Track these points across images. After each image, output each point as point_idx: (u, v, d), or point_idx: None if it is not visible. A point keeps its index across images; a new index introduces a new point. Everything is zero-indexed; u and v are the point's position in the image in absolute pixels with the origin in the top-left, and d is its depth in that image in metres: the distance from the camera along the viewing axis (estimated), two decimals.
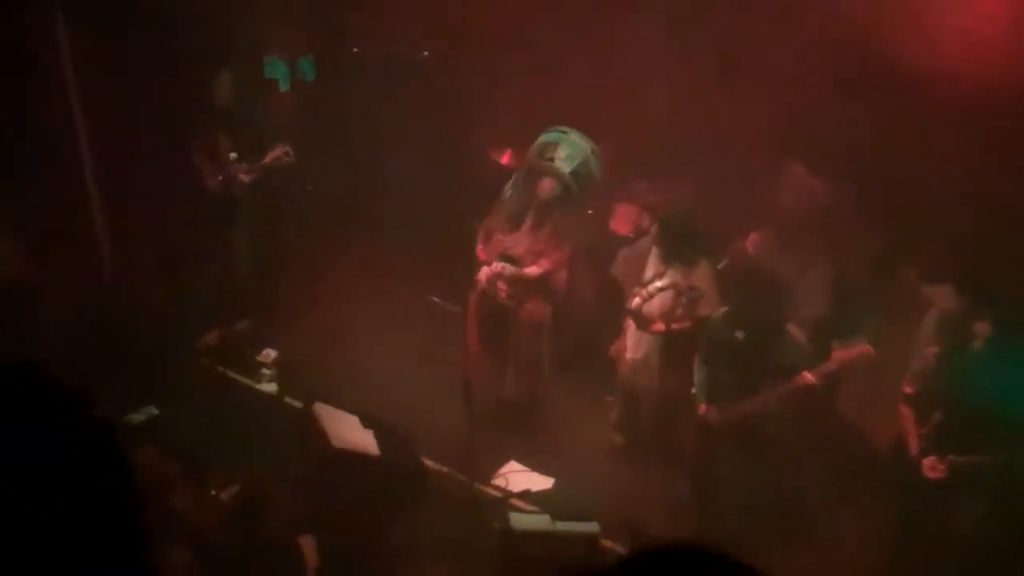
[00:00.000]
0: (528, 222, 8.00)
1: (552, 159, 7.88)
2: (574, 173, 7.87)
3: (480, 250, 8.18)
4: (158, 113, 8.51)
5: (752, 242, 8.17)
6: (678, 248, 7.56)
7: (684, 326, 7.57)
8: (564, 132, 8.01)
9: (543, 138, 8.02)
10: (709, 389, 7.08)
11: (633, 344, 7.86)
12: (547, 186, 7.87)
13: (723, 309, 7.20)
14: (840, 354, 6.72)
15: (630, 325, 7.84)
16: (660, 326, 7.62)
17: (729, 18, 8.53)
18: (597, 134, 8.13)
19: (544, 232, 7.98)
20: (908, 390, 6.60)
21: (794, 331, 6.93)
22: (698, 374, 7.17)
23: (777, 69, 8.11)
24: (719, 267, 7.94)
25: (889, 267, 7.77)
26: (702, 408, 7.08)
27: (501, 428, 8.13)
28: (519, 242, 8.03)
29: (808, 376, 6.61)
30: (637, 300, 7.71)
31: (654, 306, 7.66)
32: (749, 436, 6.91)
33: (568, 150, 7.89)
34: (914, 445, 6.44)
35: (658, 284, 7.63)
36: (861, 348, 6.69)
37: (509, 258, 8.04)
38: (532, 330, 8.23)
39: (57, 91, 8.24)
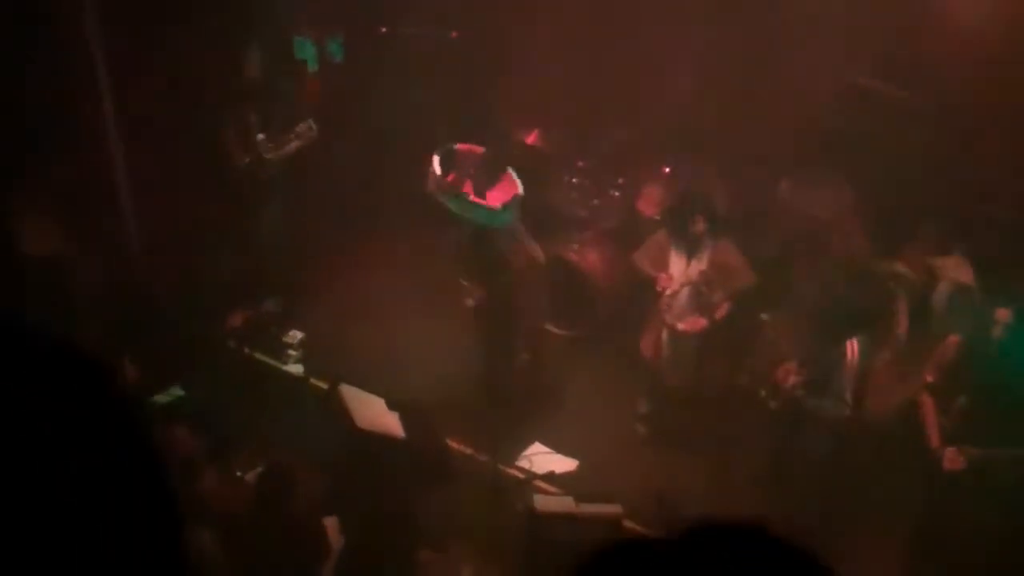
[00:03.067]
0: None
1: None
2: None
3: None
4: (186, 90, 8.52)
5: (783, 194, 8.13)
6: (692, 232, 7.55)
7: (726, 311, 7.54)
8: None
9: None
10: None
11: (669, 342, 7.83)
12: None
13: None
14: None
15: (662, 324, 7.81)
16: (702, 322, 7.58)
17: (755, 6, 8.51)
18: (624, 115, 8.10)
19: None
20: (929, 378, 6.53)
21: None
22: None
23: (806, 54, 8.08)
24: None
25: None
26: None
27: (523, 403, 8.17)
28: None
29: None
30: (666, 312, 7.67)
31: (683, 305, 7.62)
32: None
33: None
34: (935, 435, 6.37)
35: (668, 292, 7.60)
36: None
37: None
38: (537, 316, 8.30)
39: (84, 68, 8.23)
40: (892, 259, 7.49)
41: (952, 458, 6.18)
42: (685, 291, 7.61)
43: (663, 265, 7.70)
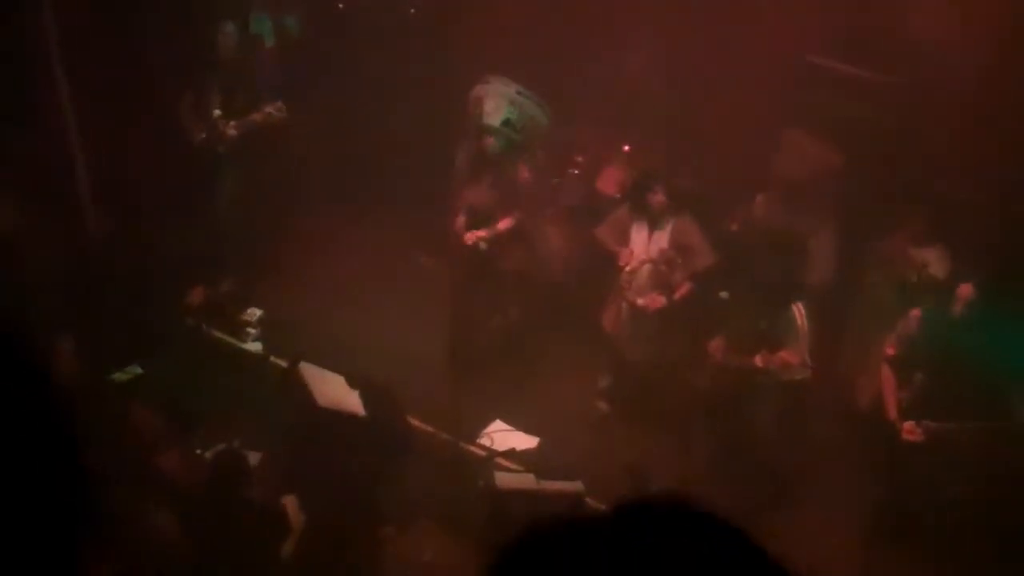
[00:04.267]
0: (487, 179, 7.99)
1: (480, 115, 7.85)
2: (506, 123, 7.82)
3: (455, 218, 8.16)
4: (142, 64, 8.40)
5: (758, 205, 8.12)
6: (652, 206, 7.56)
7: (687, 290, 7.56)
8: (487, 83, 7.96)
9: (473, 93, 7.98)
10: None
11: (628, 317, 7.84)
12: (487, 142, 7.89)
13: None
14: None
15: (623, 299, 7.83)
16: (661, 300, 7.60)
17: None
18: (583, 94, 8.06)
19: (503, 185, 7.98)
20: (890, 351, 6.60)
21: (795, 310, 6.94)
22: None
23: (774, 29, 8.09)
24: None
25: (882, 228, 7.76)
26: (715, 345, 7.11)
27: (484, 380, 8.17)
28: (482, 199, 8.01)
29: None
30: (626, 288, 7.68)
31: (643, 281, 7.64)
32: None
33: (493, 102, 7.84)
34: (893, 408, 6.45)
35: (627, 269, 7.62)
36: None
37: (476, 214, 8.00)
38: (512, 280, 8.25)
39: (37, 43, 8.09)
40: (875, 247, 7.55)
41: (910, 430, 6.27)
42: (646, 268, 7.64)
43: (624, 240, 7.72)
